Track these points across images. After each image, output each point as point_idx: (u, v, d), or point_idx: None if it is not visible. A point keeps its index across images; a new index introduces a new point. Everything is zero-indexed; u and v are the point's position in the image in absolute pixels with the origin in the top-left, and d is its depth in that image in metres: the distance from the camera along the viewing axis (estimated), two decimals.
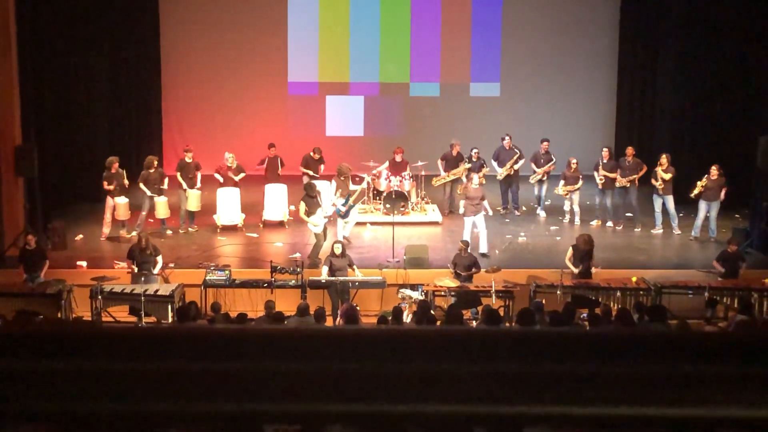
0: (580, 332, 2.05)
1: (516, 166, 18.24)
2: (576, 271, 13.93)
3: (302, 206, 15.38)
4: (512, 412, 1.84)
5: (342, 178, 16.45)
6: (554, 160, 18.14)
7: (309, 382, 1.84)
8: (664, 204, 16.84)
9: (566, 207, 17.83)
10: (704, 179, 16.34)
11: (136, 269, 13.86)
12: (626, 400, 1.85)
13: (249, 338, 1.95)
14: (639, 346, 1.94)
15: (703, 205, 16.43)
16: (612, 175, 17.32)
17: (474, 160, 18.17)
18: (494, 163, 18.41)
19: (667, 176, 16.64)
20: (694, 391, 1.85)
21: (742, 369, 1.87)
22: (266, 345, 1.92)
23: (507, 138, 18.40)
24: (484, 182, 16.61)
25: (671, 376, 1.86)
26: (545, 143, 18.39)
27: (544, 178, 18.18)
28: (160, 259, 14.12)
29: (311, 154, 18.13)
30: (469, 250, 14.30)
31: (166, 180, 16.93)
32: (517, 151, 18.21)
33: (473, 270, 14.03)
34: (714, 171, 16.32)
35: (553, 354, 1.90)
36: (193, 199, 16.94)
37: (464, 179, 18.07)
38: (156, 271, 14.01)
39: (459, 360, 1.88)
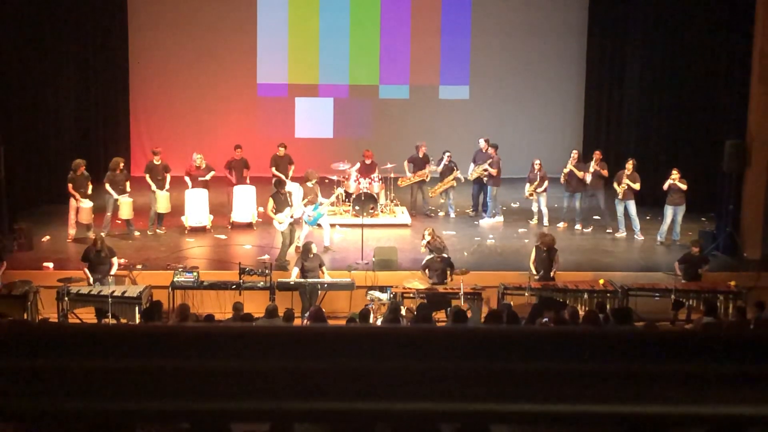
0: (547, 330, 2.07)
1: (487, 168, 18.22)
2: (537, 275, 13.98)
3: (270, 203, 15.38)
4: (478, 409, 1.86)
5: (309, 184, 16.34)
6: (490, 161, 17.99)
7: (276, 380, 1.85)
8: (626, 209, 16.89)
9: (534, 208, 17.90)
10: (675, 175, 16.37)
11: (90, 274, 13.68)
12: (591, 397, 1.86)
13: (216, 336, 1.95)
14: (604, 344, 1.96)
15: (669, 210, 16.54)
16: (580, 174, 17.33)
17: (446, 163, 18.19)
18: (472, 165, 18.38)
19: (636, 185, 16.64)
20: (657, 389, 1.87)
21: (706, 367, 1.89)
22: (233, 343, 1.92)
23: (483, 141, 18.37)
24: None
25: (635, 374, 1.88)
26: (485, 143, 18.36)
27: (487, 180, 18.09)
28: (115, 260, 13.98)
29: (277, 153, 18.05)
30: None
31: (128, 183, 16.78)
32: (493, 155, 18.18)
33: (449, 271, 13.98)
34: (674, 174, 16.41)
35: (520, 352, 1.92)
36: (162, 201, 16.82)
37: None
38: (113, 272, 13.88)
39: (426, 358, 1.89)
